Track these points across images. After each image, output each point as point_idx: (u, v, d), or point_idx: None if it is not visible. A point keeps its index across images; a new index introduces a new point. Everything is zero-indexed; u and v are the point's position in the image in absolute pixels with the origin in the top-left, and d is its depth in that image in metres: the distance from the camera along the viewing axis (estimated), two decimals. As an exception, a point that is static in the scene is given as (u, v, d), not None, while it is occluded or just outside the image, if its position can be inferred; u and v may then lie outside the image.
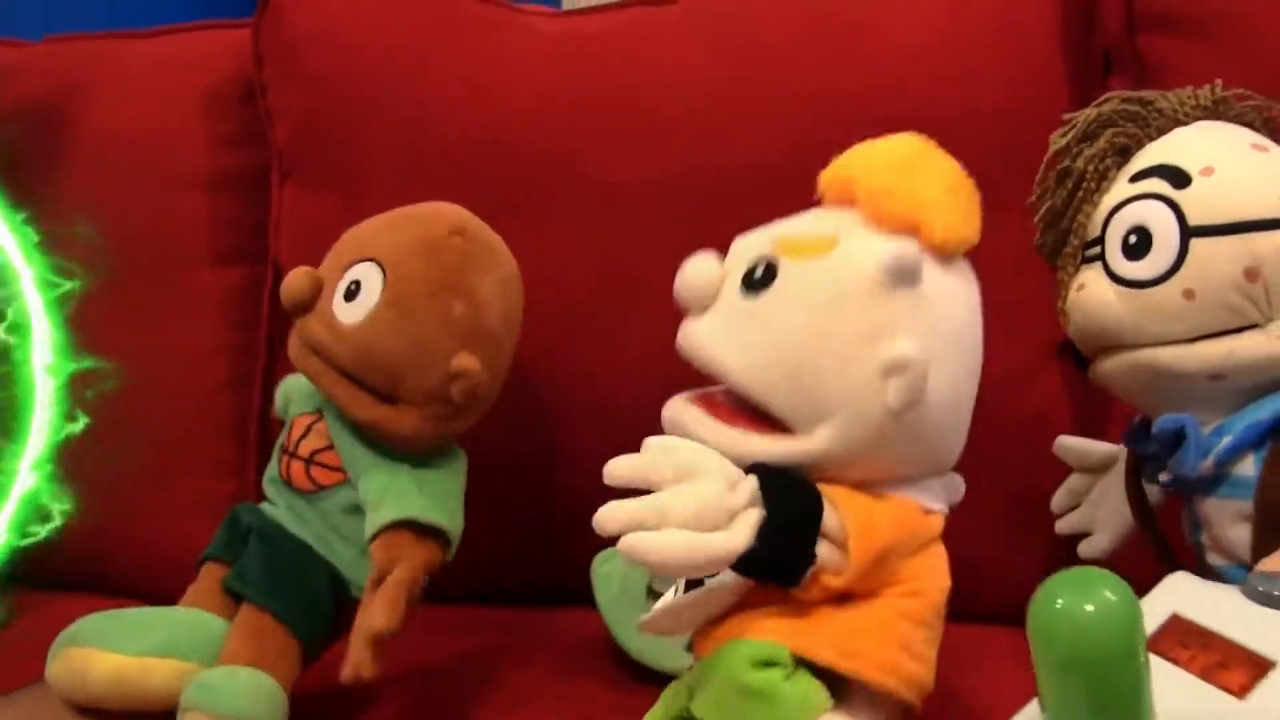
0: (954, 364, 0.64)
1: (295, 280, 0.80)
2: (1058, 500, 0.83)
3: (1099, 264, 0.65)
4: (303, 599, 0.78)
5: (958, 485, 0.68)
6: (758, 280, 0.64)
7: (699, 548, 0.57)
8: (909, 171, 0.66)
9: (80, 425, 0.99)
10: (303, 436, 0.82)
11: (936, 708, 0.84)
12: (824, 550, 0.61)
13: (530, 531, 0.99)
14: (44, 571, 1.02)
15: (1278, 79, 0.82)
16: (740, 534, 0.58)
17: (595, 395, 0.97)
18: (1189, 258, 0.62)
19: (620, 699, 0.81)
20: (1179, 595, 0.54)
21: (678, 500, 0.58)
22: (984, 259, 0.91)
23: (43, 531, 0.98)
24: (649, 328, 0.89)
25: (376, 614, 0.70)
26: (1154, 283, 0.63)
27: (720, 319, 0.65)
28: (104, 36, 1.16)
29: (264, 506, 0.83)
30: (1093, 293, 0.65)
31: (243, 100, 1.09)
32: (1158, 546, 0.71)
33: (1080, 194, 0.68)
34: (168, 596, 0.89)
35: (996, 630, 0.96)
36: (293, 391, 0.87)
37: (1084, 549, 0.80)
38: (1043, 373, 0.95)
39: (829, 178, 0.69)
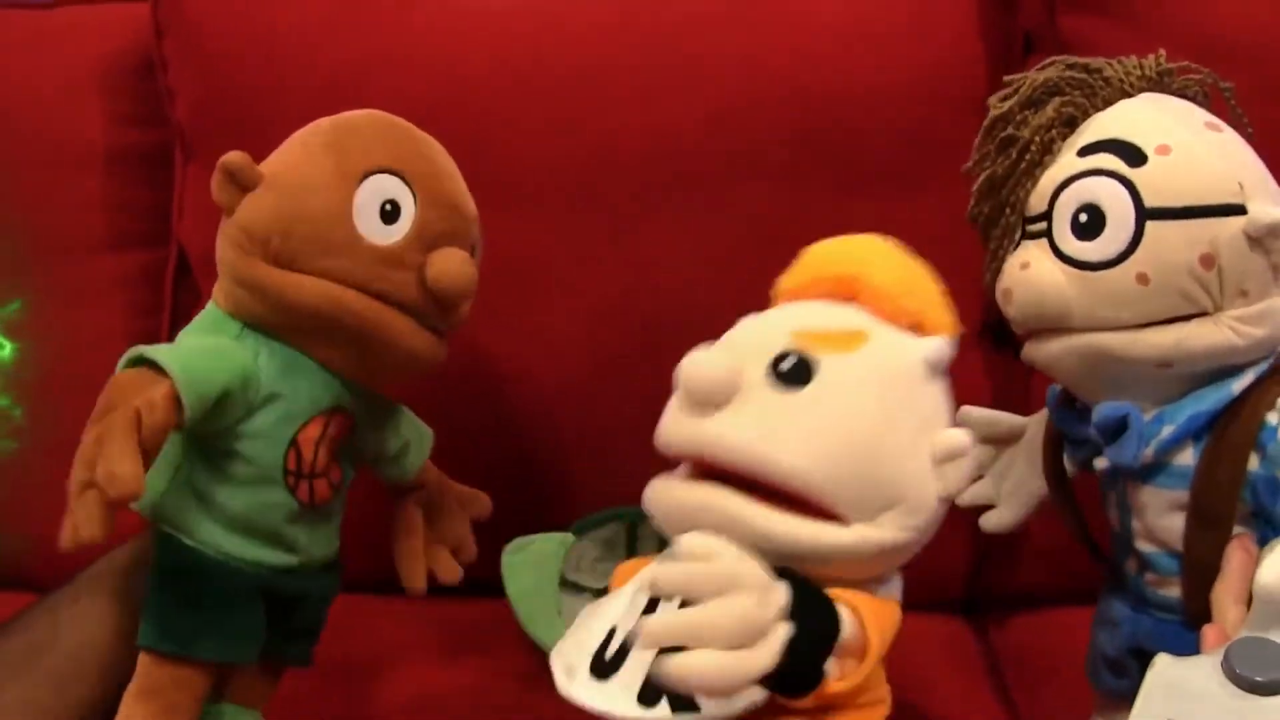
0: None
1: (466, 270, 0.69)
2: None
3: (1044, 241, 0.63)
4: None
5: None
6: (791, 373, 0.61)
7: (734, 672, 0.54)
8: (910, 272, 0.67)
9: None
10: (317, 446, 0.69)
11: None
12: (831, 663, 0.59)
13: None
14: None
15: (1199, 59, 0.83)
16: (770, 653, 0.55)
17: (502, 378, 0.96)
18: (1144, 241, 0.59)
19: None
20: (1170, 696, 0.52)
21: (717, 618, 0.55)
22: (901, 241, 0.92)
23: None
24: (555, 314, 0.88)
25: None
26: (1106, 265, 0.60)
27: (760, 414, 0.61)
28: (-4, 8, 1.11)
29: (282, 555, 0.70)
30: (1039, 272, 0.62)
31: (141, 76, 1.05)
32: (1075, 526, 0.71)
33: (1024, 164, 0.64)
34: (55, 587, 0.87)
35: (912, 616, 0.97)
36: (277, 410, 0.68)
37: (987, 522, 0.78)
38: (961, 361, 0.95)
39: (819, 274, 0.67)
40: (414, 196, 0.68)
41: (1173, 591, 0.63)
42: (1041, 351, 0.65)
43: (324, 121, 0.72)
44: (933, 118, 0.92)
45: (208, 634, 0.67)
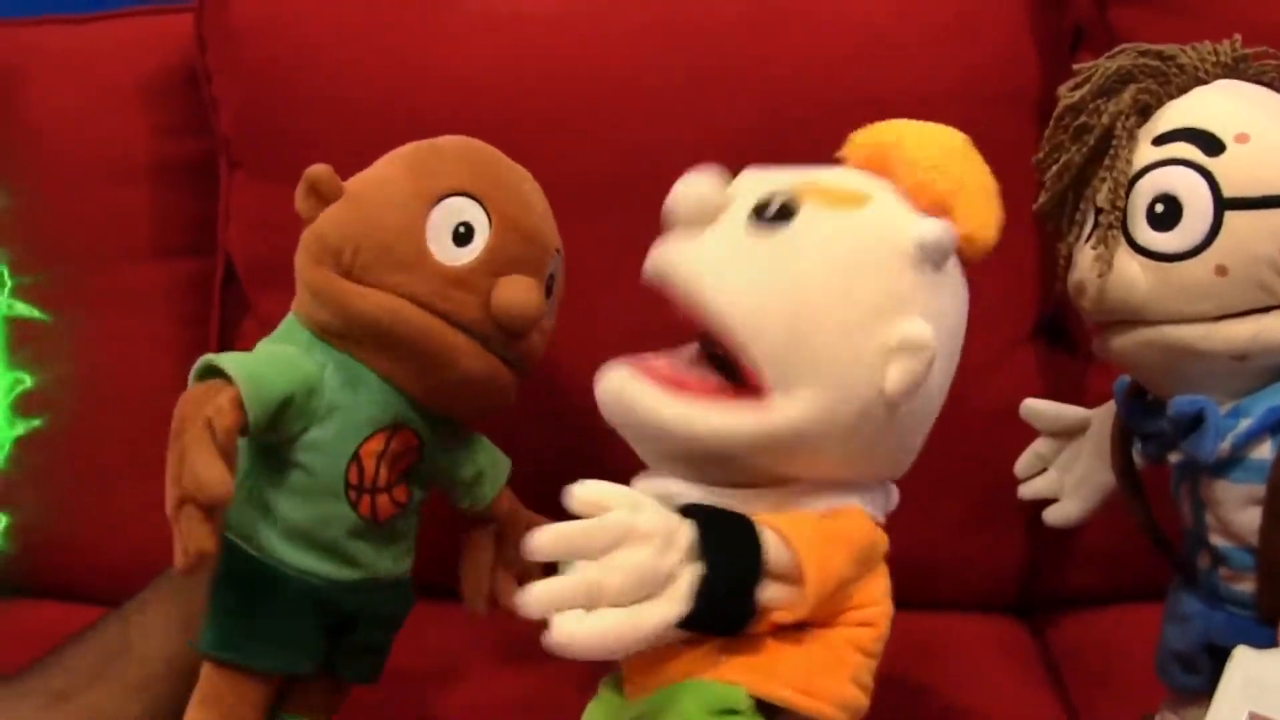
0: (945, 365, 0.61)
1: (531, 297, 0.68)
2: (1023, 464, 0.80)
3: (1118, 232, 0.62)
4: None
5: (895, 496, 0.66)
6: (771, 215, 0.59)
7: (634, 628, 0.52)
8: (954, 156, 0.63)
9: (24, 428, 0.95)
10: (380, 462, 0.69)
11: (911, 699, 0.84)
12: (772, 591, 0.56)
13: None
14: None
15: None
16: (676, 602, 0.53)
17: (531, 391, 0.94)
18: (1223, 231, 0.58)
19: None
20: (1249, 688, 0.52)
21: (611, 575, 0.52)
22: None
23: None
24: (587, 325, 0.87)
25: None
26: (1183, 256, 0.59)
27: (715, 246, 0.60)
28: (37, 22, 1.11)
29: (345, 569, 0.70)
30: (1115, 264, 0.61)
31: (185, 87, 1.05)
32: (1144, 520, 0.69)
33: (1109, 153, 0.63)
34: (113, 600, 0.87)
35: (966, 618, 0.96)
36: (335, 426, 0.68)
37: (1052, 516, 0.77)
38: (1014, 356, 0.94)
39: (862, 140, 0.66)
40: (489, 221, 0.68)
41: (1246, 587, 0.62)
42: (1114, 344, 0.64)
43: (414, 143, 0.73)
44: (983, 116, 0.88)
45: (264, 643, 0.68)
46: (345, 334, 0.68)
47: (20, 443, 0.97)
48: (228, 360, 0.64)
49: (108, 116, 1.06)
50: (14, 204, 1.01)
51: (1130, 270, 0.61)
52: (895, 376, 0.57)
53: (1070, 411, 0.78)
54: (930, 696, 0.84)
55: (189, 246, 1.06)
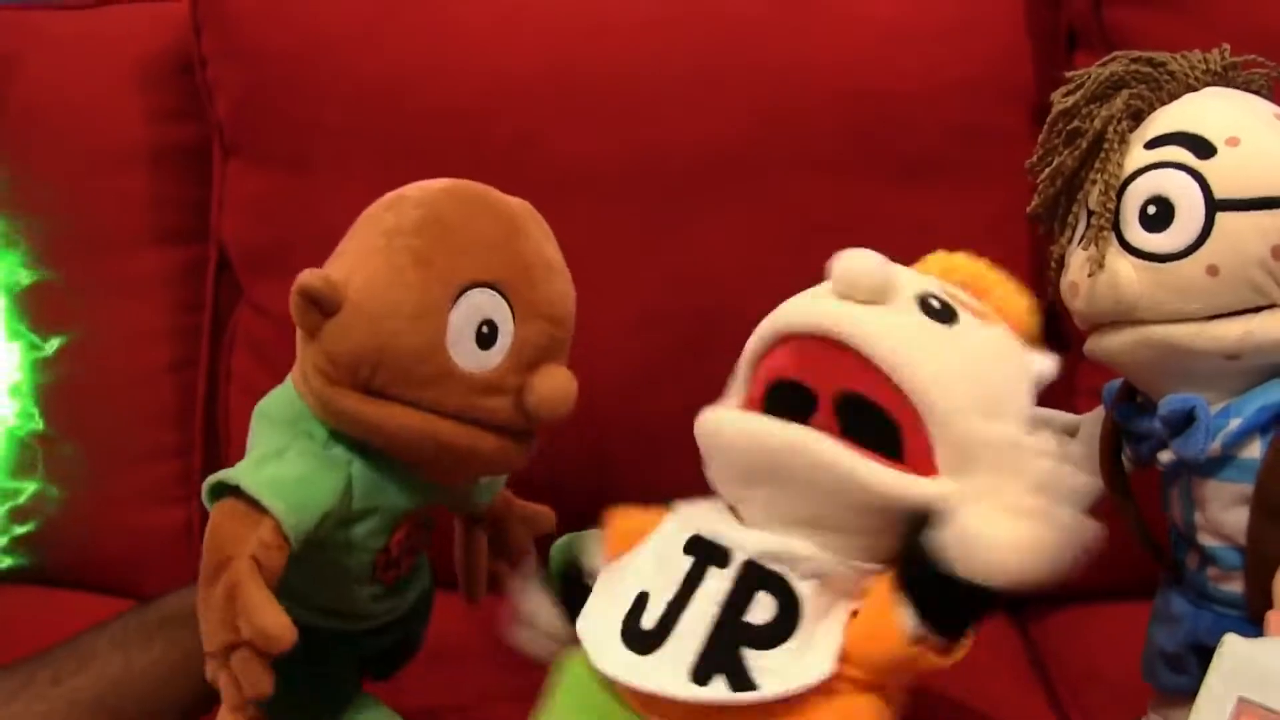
0: None
1: (568, 389, 0.66)
2: None
3: (1110, 233, 0.62)
4: None
5: None
6: (938, 311, 0.62)
7: None
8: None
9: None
10: (402, 550, 0.69)
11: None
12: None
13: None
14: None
15: (1248, 50, 0.83)
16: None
17: None
18: (1215, 232, 0.59)
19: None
20: (1238, 674, 0.52)
21: None
22: (947, 237, 0.91)
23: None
24: (600, 312, 0.87)
25: None
26: (1175, 257, 0.60)
27: (904, 324, 0.61)
28: (31, 7, 1.11)
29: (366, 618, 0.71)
30: (1107, 264, 0.62)
31: (179, 73, 1.05)
32: (1133, 523, 0.70)
33: (1101, 156, 0.63)
34: (110, 585, 0.87)
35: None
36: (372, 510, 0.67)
37: None
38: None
39: (955, 264, 0.69)
40: (512, 311, 0.64)
41: (1235, 586, 0.62)
42: (1106, 344, 0.65)
43: (407, 214, 0.65)
44: (980, 113, 0.93)
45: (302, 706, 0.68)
46: (369, 443, 0.65)
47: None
48: (263, 489, 0.61)
49: (102, 102, 1.05)
50: (9, 189, 1.01)
51: (1123, 270, 0.61)
52: (1036, 466, 0.60)
53: (1058, 416, 0.78)
54: (915, 692, 0.85)
55: (183, 233, 1.06)
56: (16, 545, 0.98)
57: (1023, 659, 0.93)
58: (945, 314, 0.62)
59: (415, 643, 0.77)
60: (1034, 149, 0.89)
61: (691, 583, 0.60)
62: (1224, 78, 0.65)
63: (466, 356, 0.63)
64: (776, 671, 0.58)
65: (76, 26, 1.09)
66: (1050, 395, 0.85)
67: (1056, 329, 0.96)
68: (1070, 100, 0.66)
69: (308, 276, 0.62)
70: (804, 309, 0.63)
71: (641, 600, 0.61)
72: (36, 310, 1.01)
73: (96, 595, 0.96)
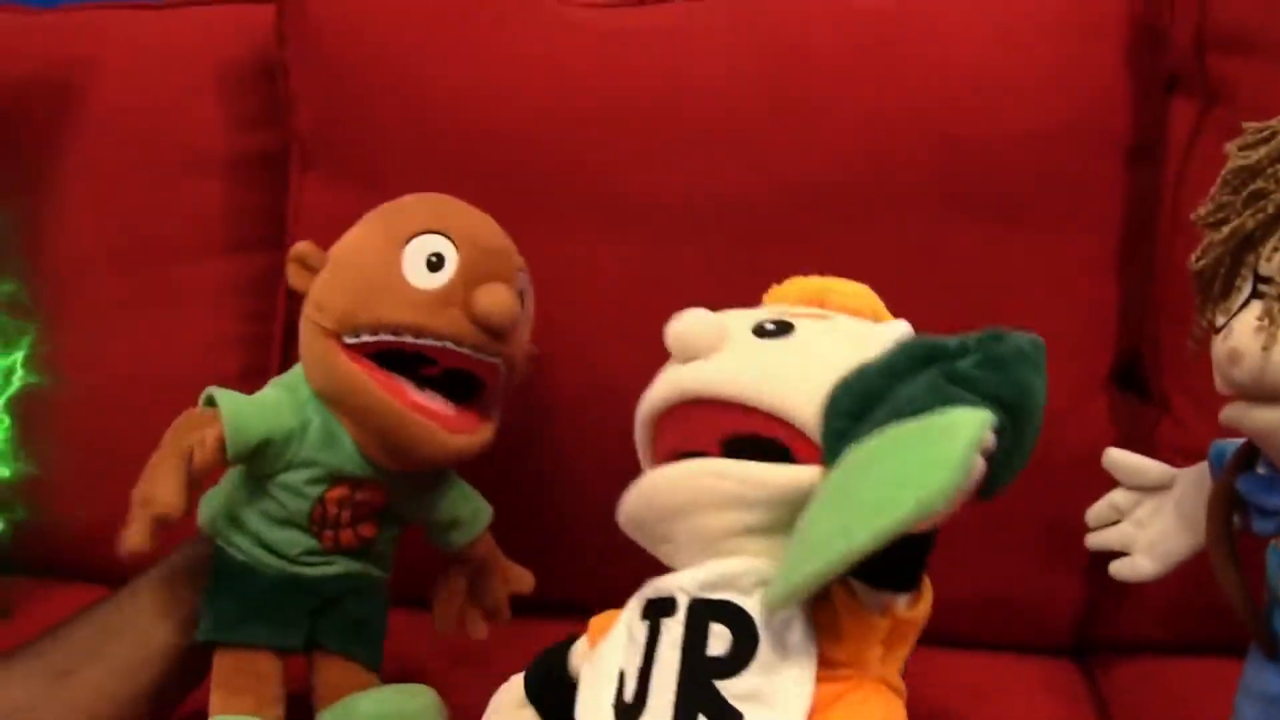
0: None
1: (506, 297, 0.75)
2: (1097, 513, 0.80)
3: (1277, 304, 0.59)
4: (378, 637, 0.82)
5: None
6: (772, 330, 0.64)
7: None
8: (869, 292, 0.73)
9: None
10: (342, 507, 0.77)
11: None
12: None
13: (532, 544, 0.95)
14: (47, 561, 1.02)
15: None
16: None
17: (605, 411, 0.92)
18: None
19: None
20: None
21: None
22: (1040, 282, 0.90)
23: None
24: (663, 349, 0.86)
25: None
26: None
27: (746, 355, 0.63)
28: (116, 7, 1.11)
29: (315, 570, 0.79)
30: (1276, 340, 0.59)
31: (259, 80, 1.05)
32: (1236, 591, 0.66)
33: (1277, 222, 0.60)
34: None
35: (1019, 659, 0.96)
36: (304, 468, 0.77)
37: (1122, 570, 0.77)
38: (1088, 402, 0.93)
39: (789, 290, 0.73)
40: (456, 247, 0.75)
41: (1340, 671, 0.60)
42: (1259, 418, 0.62)
43: (378, 207, 0.81)
44: (1076, 160, 0.91)
45: (254, 622, 0.76)
46: (330, 400, 0.76)
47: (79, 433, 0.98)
48: (222, 398, 0.74)
49: (181, 106, 1.05)
50: (88, 194, 1.01)
51: None
52: None
53: (1155, 467, 0.77)
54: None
55: (257, 241, 1.06)
56: (79, 547, 0.99)
57: (1088, 706, 0.91)
58: (781, 329, 0.64)
59: (370, 610, 0.81)
60: (1119, 191, 0.88)
61: (652, 642, 0.62)
62: None
63: (420, 278, 0.74)
64: (755, 693, 0.59)
65: (157, 28, 1.09)
66: (1132, 444, 0.84)
67: (1139, 376, 0.96)
68: (1253, 157, 0.62)
69: (298, 245, 0.79)
70: (659, 387, 0.67)
71: (622, 678, 0.63)
72: (107, 314, 1.02)
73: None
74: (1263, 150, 0.62)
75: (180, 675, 0.78)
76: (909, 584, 0.62)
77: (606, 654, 0.65)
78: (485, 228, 0.79)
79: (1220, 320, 0.64)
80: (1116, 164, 0.92)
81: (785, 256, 0.89)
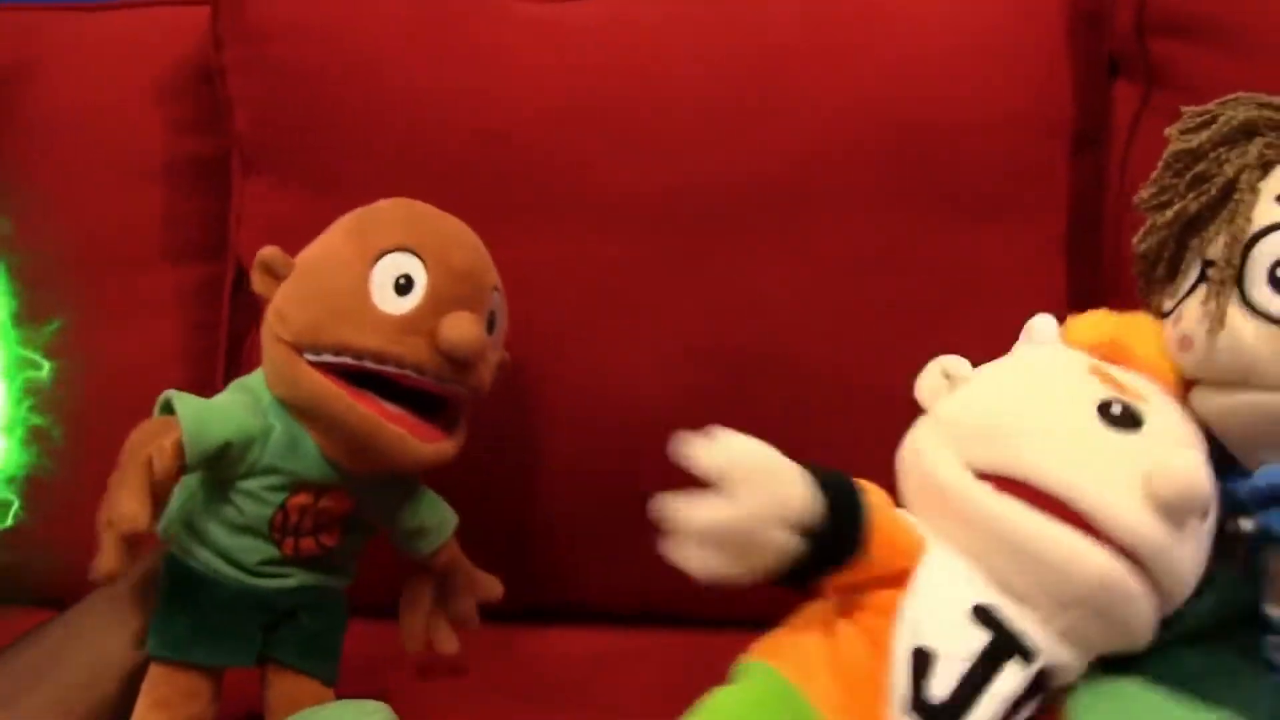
0: None
1: (472, 330, 0.73)
2: None
3: (1230, 288, 0.60)
4: (333, 652, 0.79)
5: None
6: (1119, 418, 0.59)
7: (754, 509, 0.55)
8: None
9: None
10: (304, 514, 0.75)
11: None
12: None
13: (508, 548, 0.96)
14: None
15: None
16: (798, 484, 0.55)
17: (582, 412, 0.94)
18: None
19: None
20: None
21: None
22: (991, 271, 0.90)
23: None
24: (641, 347, 0.86)
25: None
26: None
27: (1079, 446, 0.58)
28: (48, 9, 1.09)
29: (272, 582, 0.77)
30: (1229, 324, 0.59)
31: (199, 83, 1.03)
32: None
33: (1230, 206, 0.61)
34: None
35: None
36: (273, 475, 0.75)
37: None
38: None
39: (1087, 337, 0.66)
40: (426, 269, 0.74)
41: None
42: (1210, 403, 0.62)
43: (354, 211, 0.79)
44: (1021, 144, 0.91)
45: (206, 640, 0.74)
46: (294, 407, 0.75)
47: (25, 445, 0.96)
48: (180, 402, 0.72)
49: (118, 111, 1.04)
50: (22, 201, 0.98)
51: (1245, 331, 0.59)
52: None
53: None
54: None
55: (200, 250, 1.04)
56: (19, 567, 0.97)
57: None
58: (1127, 420, 0.59)
59: (324, 625, 0.78)
60: (1065, 176, 0.89)
61: (988, 665, 0.57)
62: None
63: (386, 300, 0.73)
64: None
65: (94, 29, 1.07)
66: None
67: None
68: (1194, 140, 0.63)
69: (265, 250, 0.76)
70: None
71: (922, 660, 0.57)
72: (42, 325, 0.99)
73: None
74: (1204, 134, 0.63)
75: (136, 690, 0.74)
76: None
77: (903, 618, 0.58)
78: (459, 246, 0.77)
79: (1168, 304, 0.64)
80: (1062, 149, 0.92)
81: (746, 248, 0.90)
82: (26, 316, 0.98)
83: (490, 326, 0.77)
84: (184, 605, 0.74)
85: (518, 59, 0.96)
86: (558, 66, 0.95)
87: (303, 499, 0.75)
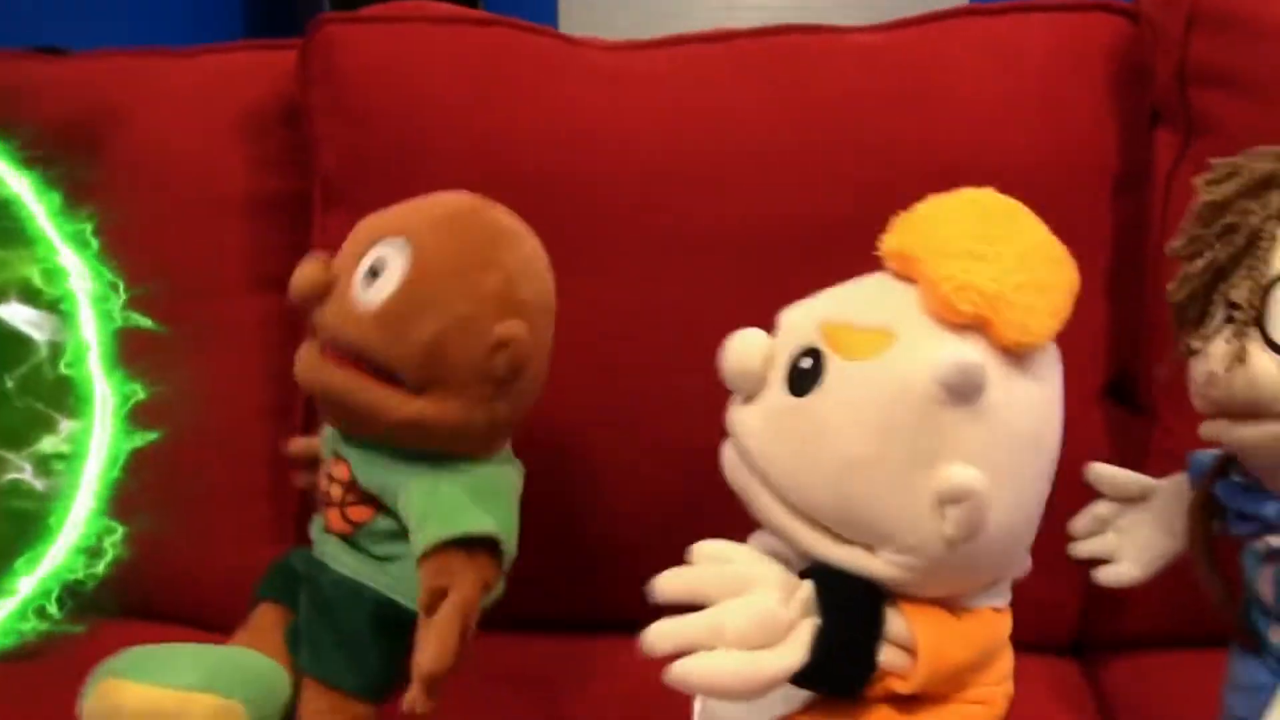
0: (1021, 476, 0.62)
1: (304, 269, 0.77)
2: (1081, 524, 0.83)
3: (1253, 329, 0.64)
4: (349, 656, 0.76)
5: (1025, 565, 0.68)
6: (804, 373, 0.61)
7: (753, 672, 0.54)
8: (979, 258, 0.60)
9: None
10: (331, 482, 0.80)
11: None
12: (889, 655, 0.59)
13: (572, 562, 1.00)
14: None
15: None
16: (795, 651, 0.56)
17: (649, 440, 0.98)
18: None
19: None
20: None
21: (731, 617, 0.55)
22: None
23: (96, 567, 0.97)
24: (707, 379, 0.89)
25: (427, 654, 0.68)
26: None
27: (765, 415, 0.63)
28: (141, 53, 1.14)
29: (314, 550, 0.81)
30: (1255, 360, 0.63)
31: (284, 123, 1.07)
32: (1220, 593, 0.72)
33: (1254, 253, 0.65)
34: (208, 622, 0.91)
35: (1019, 657, 0.98)
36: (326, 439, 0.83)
37: (1108, 577, 0.80)
38: (1082, 415, 0.96)
39: (891, 247, 0.65)
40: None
41: (1324, 661, 0.64)
42: (1236, 434, 0.66)
43: None
44: (1067, 190, 0.95)
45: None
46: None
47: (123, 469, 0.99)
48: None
49: (207, 150, 1.08)
50: (115, 234, 1.02)
51: (1266, 367, 0.63)
52: (949, 527, 0.58)
53: (1135, 480, 0.80)
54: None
55: (280, 280, 1.04)
56: (118, 581, 0.99)
57: (1089, 703, 0.94)
58: (811, 376, 0.61)
59: (321, 629, 0.77)
60: (1108, 220, 0.91)
61: None
62: None
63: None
64: None
65: (185, 72, 1.11)
66: (1124, 455, 0.88)
67: (1133, 392, 0.99)
68: (1221, 192, 0.67)
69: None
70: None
71: None
72: (137, 355, 1.02)
73: (195, 631, 0.98)
74: (1230, 185, 0.67)
75: None
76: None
77: None
78: (380, 210, 0.81)
79: (1196, 345, 0.68)
80: (1105, 194, 0.97)
81: (805, 285, 0.93)
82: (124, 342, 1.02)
83: (372, 275, 0.76)
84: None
85: (584, 103, 1.00)
86: (620, 110, 1.00)
87: (329, 466, 0.79)
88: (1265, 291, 0.64)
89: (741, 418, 0.64)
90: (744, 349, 0.64)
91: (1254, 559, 0.69)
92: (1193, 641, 0.91)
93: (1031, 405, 0.62)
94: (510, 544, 0.75)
